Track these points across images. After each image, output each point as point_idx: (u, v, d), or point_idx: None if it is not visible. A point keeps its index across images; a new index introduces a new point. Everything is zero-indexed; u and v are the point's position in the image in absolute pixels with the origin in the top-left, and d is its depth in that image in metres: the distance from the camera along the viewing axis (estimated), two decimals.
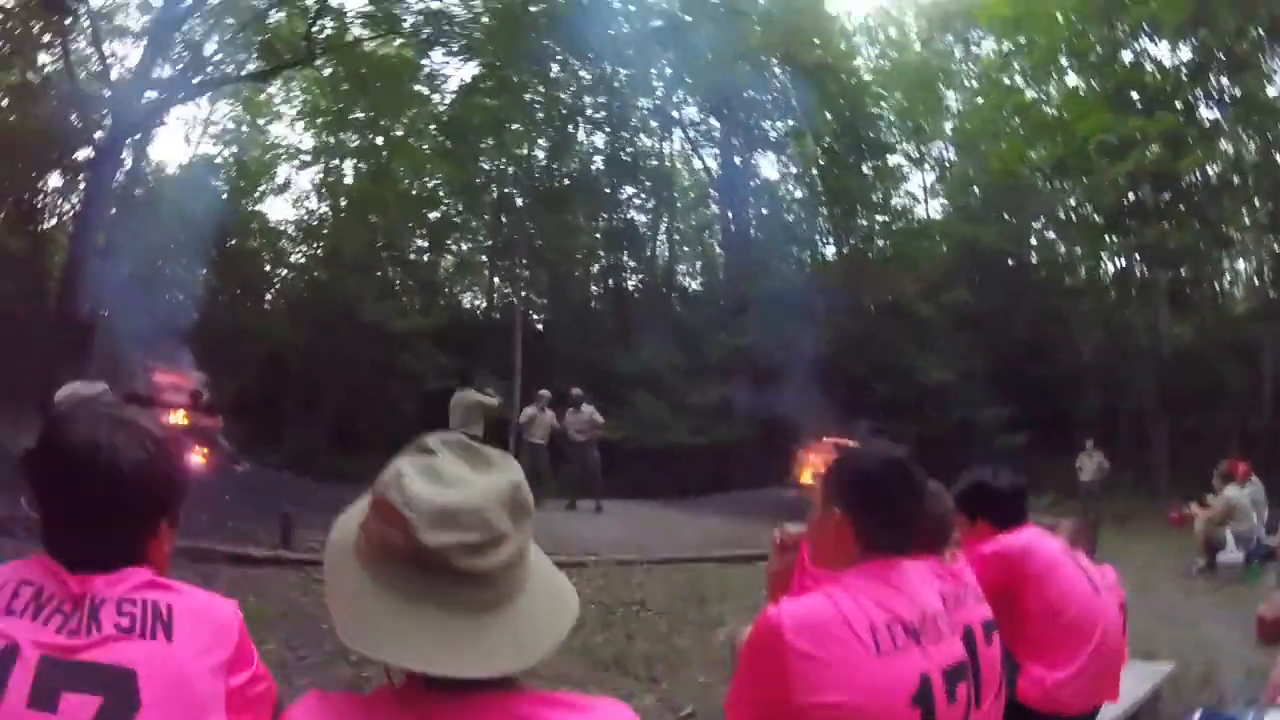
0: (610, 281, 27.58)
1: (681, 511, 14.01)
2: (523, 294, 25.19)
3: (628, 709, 1.17)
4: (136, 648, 1.28)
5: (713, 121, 26.25)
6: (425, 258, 27.15)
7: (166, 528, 1.45)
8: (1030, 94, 23.24)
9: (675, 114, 26.81)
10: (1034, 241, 25.06)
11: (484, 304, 27.43)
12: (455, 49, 24.50)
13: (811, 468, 16.25)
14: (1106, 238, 21.94)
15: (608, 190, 26.47)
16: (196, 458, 11.99)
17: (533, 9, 23.05)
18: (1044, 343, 21.58)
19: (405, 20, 22.46)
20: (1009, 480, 3.16)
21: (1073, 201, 23.01)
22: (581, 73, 25.84)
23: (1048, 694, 2.86)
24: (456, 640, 1.02)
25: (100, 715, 1.23)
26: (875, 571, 1.88)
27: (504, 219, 25.80)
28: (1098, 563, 3.30)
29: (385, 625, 1.02)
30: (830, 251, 25.07)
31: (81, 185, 19.65)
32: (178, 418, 12.71)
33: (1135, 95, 19.70)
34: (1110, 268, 23.30)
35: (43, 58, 18.55)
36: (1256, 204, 20.33)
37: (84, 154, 19.33)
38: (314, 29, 19.68)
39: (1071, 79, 22.12)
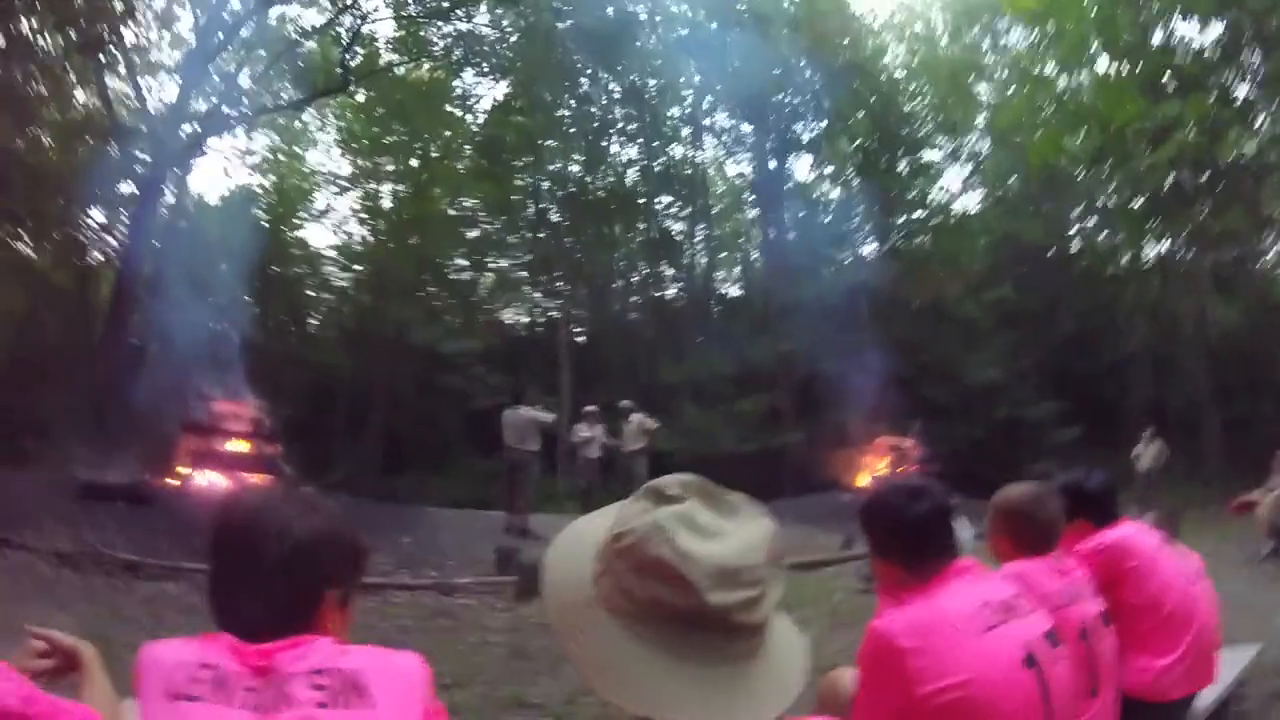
0: (650, 292, 27.59)
1: None
2: (564, 309, 25.35)
3: None
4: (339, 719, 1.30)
5: (744, 127, 26.24)
6: (465, 276, 27.46)
7: (340, 604, 1.46)
8: (1062, 82, 23.00)
9: (706, 121, 26.97)
10: (1073, 232, 24.85)
11: (526, 320, 27.69)
12: (486, 69, 24.88)
13: (867, 470, 16.28)
14: (1148, 225, 21.61)
15: (643, 201, 26.54)
16: (259, 484, 12.19)
17: (560, 25, 23.28)
18: (1090, 335, 21.34)
19: (435, 44, 22.80)
20: (1100, 479, 3.30)
21: (1112, 189, 22.70)
22: (611, 86, 26.06)
23: (1153, 683, 2.94)
24: (726, 691, 1.03)
25: None
26: (944, 578, 2.08)
27: (541, 235, 26.09)
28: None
29: (655, 681, 1.02)
30: (869, 251, 25.04)
31: (124, 219, 20.03)
32: (241, 445, 12.95)
33: (1168, 79, 19.43)
34: (1153, 255, 23.02)
35: (80, 95, 18.72)
36: None
37: (126, 188, 19.68)
38: (347, 57, 19.98)
39: (1102, 65, 21.85)
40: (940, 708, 1.87)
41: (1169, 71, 19.39)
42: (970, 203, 27.13)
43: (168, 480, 11.87)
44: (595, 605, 1.08)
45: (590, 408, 14.17)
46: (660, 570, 1.01)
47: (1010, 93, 24.68)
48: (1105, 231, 23.63)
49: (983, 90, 26.20)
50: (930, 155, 25.60)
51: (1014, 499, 2.74)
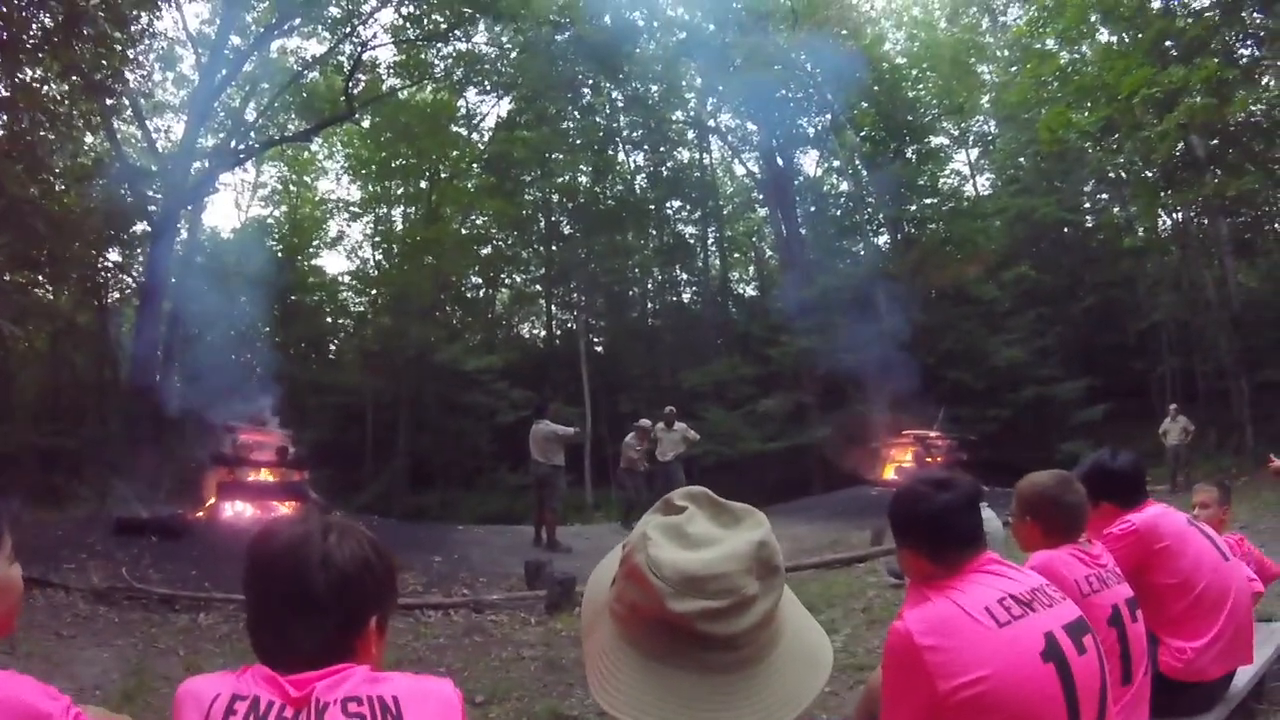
0: (667, 297, 27.71)
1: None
2: (581, 319, 25.42)
3: None
4: None
5: (749, 126, 26.28)
6: (481, 294, 27.60)
7: (378, 628, 1.45)
8: (1065, 56, 22.83)
9: (711, 123, 26.99)
10: (1088, 206, 24.63)
11: (543, 333, 27.80)
12: (488, 87, 25.03)
13: (894, 463, 16.16)
14: (1162, 194, 21.40)
15: (653, 207, 26.62)
16: (288, 511, 12.21)
17: (559, 38, 23.35)
18: (1113, 309, 21.15)
19: (436, 65, 22.93)
20: (1127, 460, 3.18)
21: (1122, 160, 22.47)
22: (614, 94, 26.17)
23: (1189, 664, 2.91)
24: (701, 704, 1.01)
25: None
26: (967, 572, 2.05)
27: (554, 247, 26.20)
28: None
29: (633, 686, 1.02)
30: (883, 241, 24.91)
31: (141, 257, 20.23)
32: (267, 475, 13.02)
33: (1171, 44, 19.20)
34: (1169, 224, 22.78)
35: (89, 139, 18.90)
36: None
37: (140, 227, 19.85)
38: (350, 84, 20.11)
39: (1104, 36, 21.65)
40: (962, 703, 1.85)
41: (1172, 38, 19.13)
42: (982, 185, 27.13)
43: (198, 513, 11.96)
44: (604, 607, 1.10)
45: (643, 422, 13.71)
46: (635, 576, 1.02)
47: (1014, 71, 24.54)
48: (1119, 205, 23.44)
49: (986, 70, 26.06)
50: (938, 140, 25.52)
51: (1038, 485, 2.68)
